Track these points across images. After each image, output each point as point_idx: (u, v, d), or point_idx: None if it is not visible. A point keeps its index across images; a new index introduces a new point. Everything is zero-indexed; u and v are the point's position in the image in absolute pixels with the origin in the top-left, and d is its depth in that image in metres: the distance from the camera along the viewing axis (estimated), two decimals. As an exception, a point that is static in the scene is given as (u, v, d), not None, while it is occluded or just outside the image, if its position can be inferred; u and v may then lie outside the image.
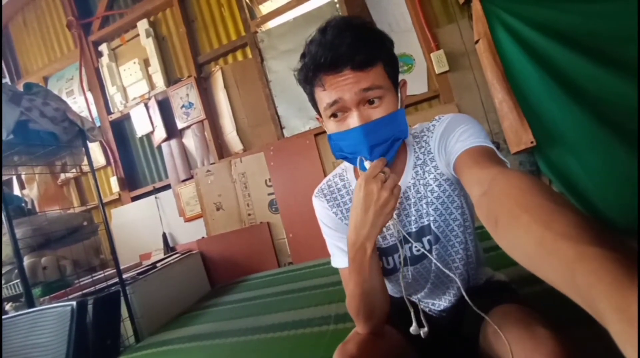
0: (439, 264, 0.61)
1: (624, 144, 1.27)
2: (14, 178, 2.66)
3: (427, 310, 0.75)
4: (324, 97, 0.56)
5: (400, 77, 0.62)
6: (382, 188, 0.54)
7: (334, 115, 0.57)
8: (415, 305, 0.67)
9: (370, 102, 0.55)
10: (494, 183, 0.42)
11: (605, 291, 0.22)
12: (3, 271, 1.65)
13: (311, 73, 0.56)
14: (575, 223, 0.29)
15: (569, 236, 0.28)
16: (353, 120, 0.55)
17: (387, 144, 0.57)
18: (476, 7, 1.62)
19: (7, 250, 1.59)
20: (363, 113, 0.55)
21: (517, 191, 0.37)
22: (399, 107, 0.58)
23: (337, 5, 2.20)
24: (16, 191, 2.72)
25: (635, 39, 1.20)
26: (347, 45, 0.52)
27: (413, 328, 0.59)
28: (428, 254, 0.64)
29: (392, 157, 0.59)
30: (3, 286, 1.61)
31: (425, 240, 0.66)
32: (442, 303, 0.73)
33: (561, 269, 0.27)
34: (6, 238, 1.52)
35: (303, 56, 0.59)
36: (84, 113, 2.88)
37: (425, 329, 0.58)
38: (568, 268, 0.26)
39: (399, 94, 0.59)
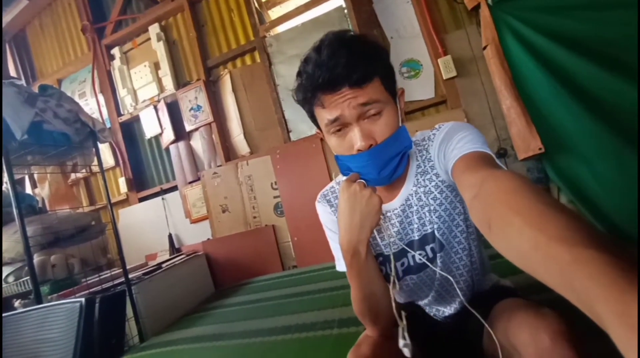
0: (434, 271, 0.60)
1: (634, 151, 1.25)
2: (27, 177, 2.72)
3: (431, 314, 0.75)
4: (325, 114, 0.56)
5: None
6: (364, 188, 0.58)
7: (335, 130, 0.58)
8: (413, 314, 0.66)
9: (370, 116, 0.56)
10: (484, 186, 0.42)
11: (603, 295, 0.22)
12: (13, 269, 1.69)
13: (310, 93, 0.57)
14: (568, 225, 0.29)
15: (562, 239, 0.28)
16: (354, 136, 0.56)
17: (395, 161, 0.58)
18: (484, 13, 1.62)
19: (18, 248, 1.62)
20: (363, 128, 0.55)
21: (507, 193, 0.37)
22: (399, 117, 0.59)
23: (346, 12, 2.22)
24: (28, 189, 2.78)
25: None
26: (343, 64, 0.52)
27: (401, 344, 0.57)
28: (429, 264, 0.64)
29: (403, 170, 0.61)
30: (13, 283, 1.64)
31: (428, 248, 0.65)
32: (446, 310, 0.72)
33: (557, 273, 0.27)
34: (17, 236, 1.55)
35: (299, 74, 0.58)
36: (95, 115, 2.94)
37: (410, 346, 0.56)
38: (564, 272, 0.26)
39: (398, 105, 0.60)
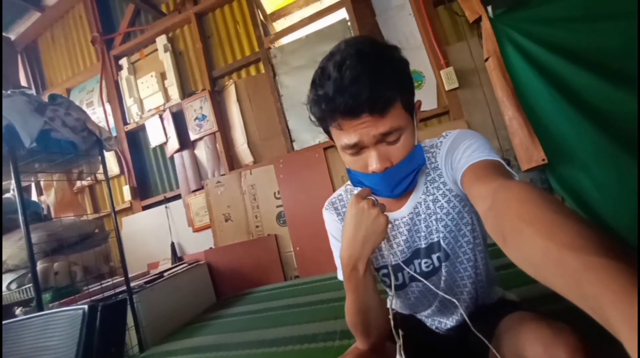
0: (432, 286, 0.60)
1: (635, 160, 1.25)
2: (33, 184, 2.75)
3: (433, 327, 0.74)
4: (342, 137, 0.55)
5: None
6: (373, 207, 0.57)
7: (352, 153, 0.57)
8: (415, 328, 0.65)
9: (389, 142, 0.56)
10: (497, 197, 0.42)
11: (613, 300, 0.22)
12: (16, 276, 1.69)
13: (328, 116, 0.55)
14: (579, 232, 0.29)
15: (573, 246, 0.28)
16: (371, 158, 0.55)
17: (409, 179, 0.58)
18: (486, 25, 1.65)
19: (22, 254, 1.63)
20: (381, 151, 0.55)
21: (519, 204, 0.37)
22: (416, 135, 0.58)
23: (349, 24, 2.27)
24: (34, 196, 2.81)
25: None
26: (367, 94, 0.50)
27: None
28: (422, 280, 0.63)
29: (415, 185, 0.61)
30: (16, 290, 1.64)
31: (434, 256, 0.65)
32: (449, 322, 0.71)
33: (567, 279, 0.27)
34: (22, 243, 1.56)
35: (314, 86, 0.55)
36: (102, 123, 2.99)
37: None
38: (574, 278, 0.26)
39: (415, 121, 0.59)
